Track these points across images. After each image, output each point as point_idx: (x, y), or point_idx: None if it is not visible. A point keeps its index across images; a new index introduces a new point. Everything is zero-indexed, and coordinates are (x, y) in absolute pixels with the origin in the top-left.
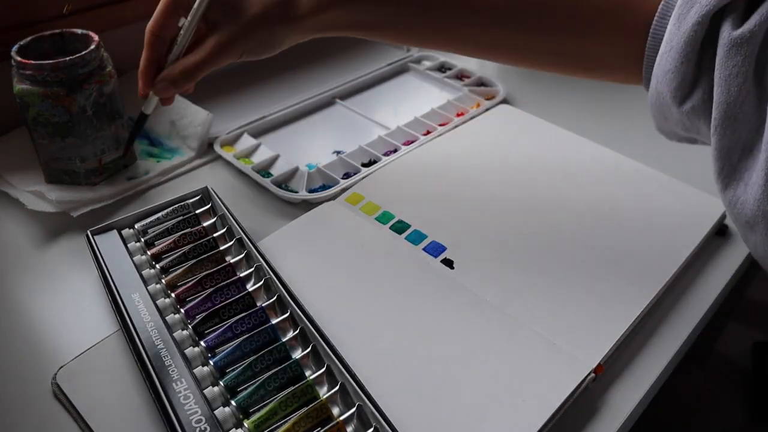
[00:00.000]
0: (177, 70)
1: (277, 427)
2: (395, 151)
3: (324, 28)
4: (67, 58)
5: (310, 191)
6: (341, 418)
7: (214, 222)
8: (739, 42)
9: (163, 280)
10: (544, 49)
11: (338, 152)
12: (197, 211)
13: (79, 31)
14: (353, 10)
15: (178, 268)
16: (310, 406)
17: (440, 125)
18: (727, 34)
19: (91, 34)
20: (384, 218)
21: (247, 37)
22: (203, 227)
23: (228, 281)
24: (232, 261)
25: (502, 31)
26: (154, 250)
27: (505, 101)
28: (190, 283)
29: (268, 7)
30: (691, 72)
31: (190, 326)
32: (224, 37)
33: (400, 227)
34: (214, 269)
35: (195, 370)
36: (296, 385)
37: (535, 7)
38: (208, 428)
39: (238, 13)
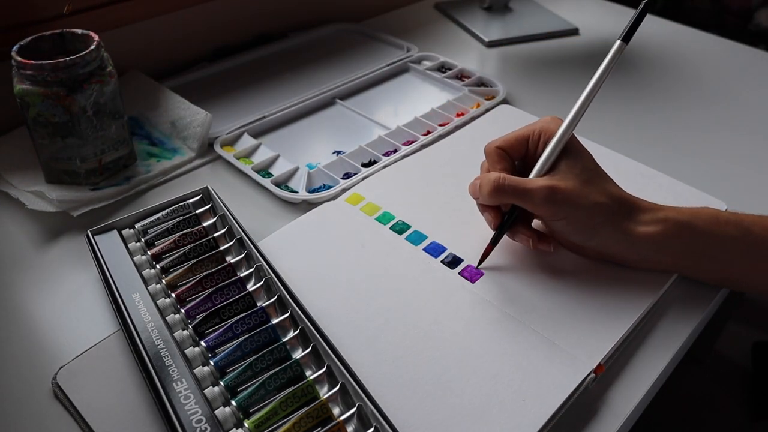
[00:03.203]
0: (501, 181)
1: (278, 427)
2: (395, 151)
3: (644, 254)
4: (68, 58)
5: (310, 191)
6: (341, 418)
7: (215, 222)
8: None
9: (163, 280)
10: None
11: (338, 152)
12: (197, 211)
13: (79, 31)
14: (686, 253)
15: (179, 268)
16: (311, 406)
17: (440, 125)
18: None
19: (92, 34)
20: (384, 219)
21: (578, 205)
22: (203, 227)
23: (228, 281)
24: (232, 261)
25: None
26: (154, 250)
27: (505, 101)
28: (191, 283)
29: (612, 200)
30: None
31: (190, 326)
32: (559, 185)
33: (400, 228)
34: (215, 269)
35: (195, 370)
36: (296, 385)
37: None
38: (209, 428)
39: (585, 175)
